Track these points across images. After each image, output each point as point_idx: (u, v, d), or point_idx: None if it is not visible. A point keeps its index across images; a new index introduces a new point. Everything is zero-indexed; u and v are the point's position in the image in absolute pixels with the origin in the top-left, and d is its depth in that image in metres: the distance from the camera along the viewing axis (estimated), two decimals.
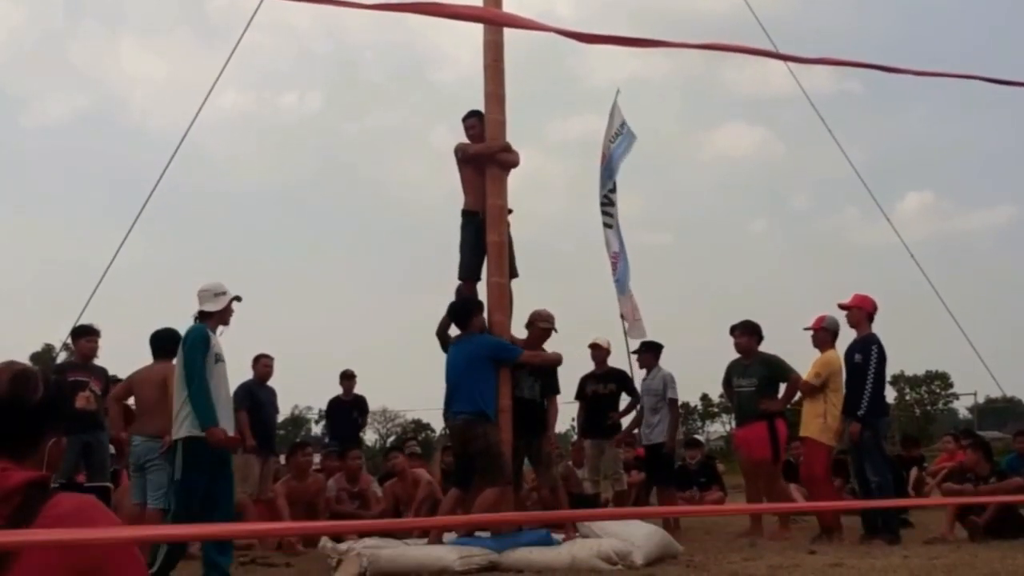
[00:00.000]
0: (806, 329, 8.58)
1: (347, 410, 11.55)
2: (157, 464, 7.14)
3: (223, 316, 6.32)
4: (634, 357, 10.10)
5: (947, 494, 8.95)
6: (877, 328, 8.23)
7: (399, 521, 8.35)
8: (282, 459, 10.74)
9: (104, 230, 63.51)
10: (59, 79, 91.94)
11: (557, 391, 7.65)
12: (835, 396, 8.31)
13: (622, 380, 9.85)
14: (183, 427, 5.99)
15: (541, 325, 7.59)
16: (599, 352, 9.78)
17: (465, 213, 7.62)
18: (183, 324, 6.45)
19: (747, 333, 9.01)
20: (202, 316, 6.27)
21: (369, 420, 12.00)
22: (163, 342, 7.34)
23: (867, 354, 8.03)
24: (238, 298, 6.43)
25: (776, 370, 8.86)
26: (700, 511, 12.27)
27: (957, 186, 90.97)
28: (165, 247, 71.70)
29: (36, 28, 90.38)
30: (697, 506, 11.99)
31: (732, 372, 9.06)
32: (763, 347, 9.04)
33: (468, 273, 7.54)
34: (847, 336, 8.38)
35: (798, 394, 8.96)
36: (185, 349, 6.11)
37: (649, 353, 9.86)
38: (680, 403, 10.25)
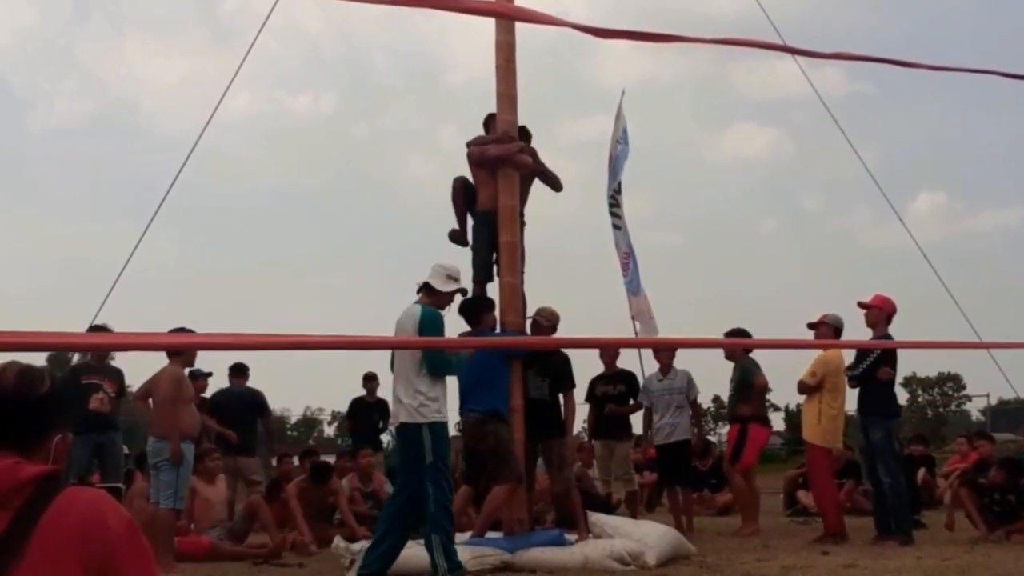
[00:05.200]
0: (809, 326, 8.47)
1: (369, 412, 11.61)
2: (167, 464, 7.15)
3: (442, 299, 6.22)
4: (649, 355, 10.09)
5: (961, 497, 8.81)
6: (891, 329, 8.17)
7: None
8: (295, 460, 10.85)
9: (118, 232, 63.86)
10: (68, 81, 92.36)
11: (573, 385, 7.65)
12: (830, 396, 8.18)
13: (631, 381, 9.82)
14: (430, 413, 5.95)
15: (543, 323, 7.57)
16: (603, 356, 9.77)
17: (479, 213, 7.61)
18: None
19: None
20: (427, 290, 6.17)
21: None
22: None
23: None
24: (463, 291, 6.40)
25: (744, 374, 8.99)
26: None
27: (970, 186, 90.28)
28: (179, 248, 71.79)
29: (44, 29, 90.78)
30: (708, 508, 11.99)
31: None
32: None
33: (481, 275, 7.52)
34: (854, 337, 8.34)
35: (768, 395, 9.15)
36: (422, 334, 5.95)
37: (667, 352, 9.79)
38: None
